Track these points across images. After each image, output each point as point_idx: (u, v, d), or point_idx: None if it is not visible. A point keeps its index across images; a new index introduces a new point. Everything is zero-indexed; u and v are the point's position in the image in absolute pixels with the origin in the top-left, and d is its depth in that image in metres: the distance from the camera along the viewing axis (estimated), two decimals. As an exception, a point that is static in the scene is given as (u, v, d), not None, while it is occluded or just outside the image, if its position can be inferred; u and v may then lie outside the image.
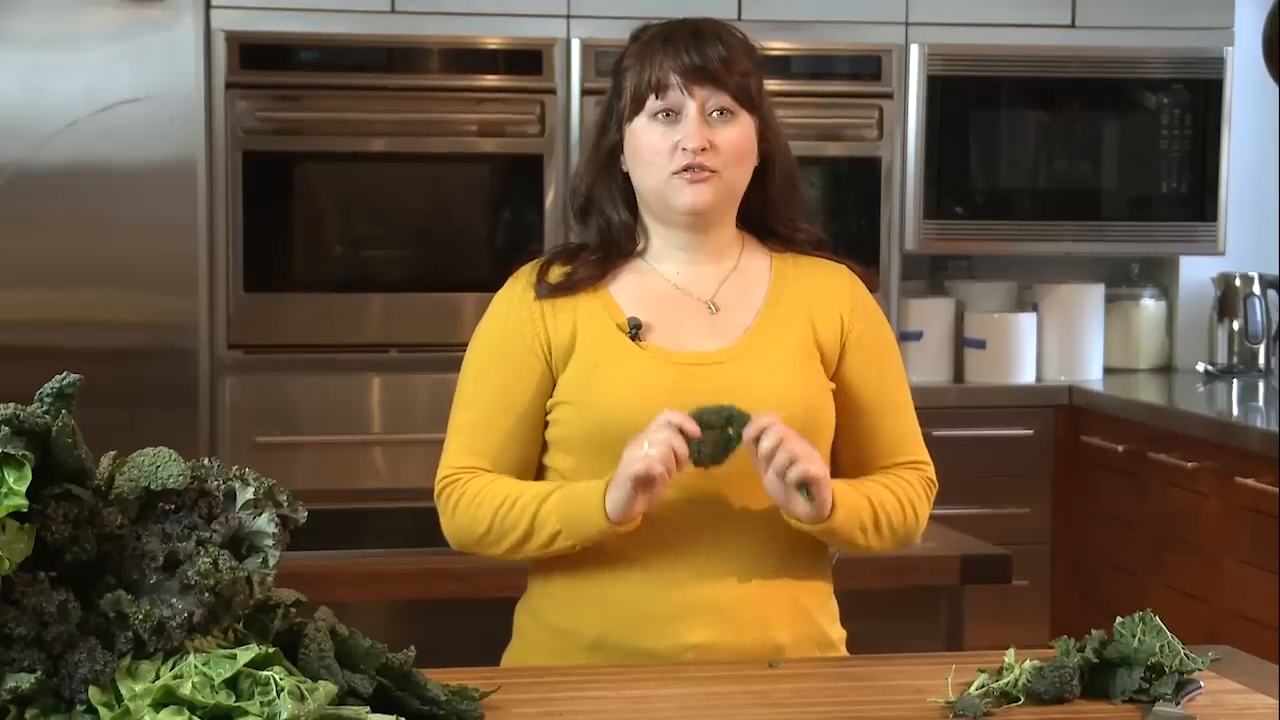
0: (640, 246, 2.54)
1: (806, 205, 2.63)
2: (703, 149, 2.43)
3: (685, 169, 2.44)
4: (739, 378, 2.45)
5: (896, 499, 2.50)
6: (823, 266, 2.58)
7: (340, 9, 4.96)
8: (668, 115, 2.45)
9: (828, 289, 2.55)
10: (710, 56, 2.44)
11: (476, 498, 2.46)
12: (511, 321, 2.52)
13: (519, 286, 2.55)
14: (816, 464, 2.36)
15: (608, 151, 2.52)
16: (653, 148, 2.46)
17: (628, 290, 2.52)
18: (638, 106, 2.46)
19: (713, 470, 2.37)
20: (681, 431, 2.32)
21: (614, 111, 2.51)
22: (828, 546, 2.56)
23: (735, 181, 2.50)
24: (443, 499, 2.50)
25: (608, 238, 2.53)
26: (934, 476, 2.56)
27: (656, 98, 2.45)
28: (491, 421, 2.50)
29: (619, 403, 2.42)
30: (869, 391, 2.54)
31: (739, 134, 2.47)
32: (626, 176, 2.52)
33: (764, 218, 2.57)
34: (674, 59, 2.44)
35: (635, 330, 2.48)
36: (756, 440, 2.33)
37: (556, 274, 2.52)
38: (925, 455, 2.57)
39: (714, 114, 2.45)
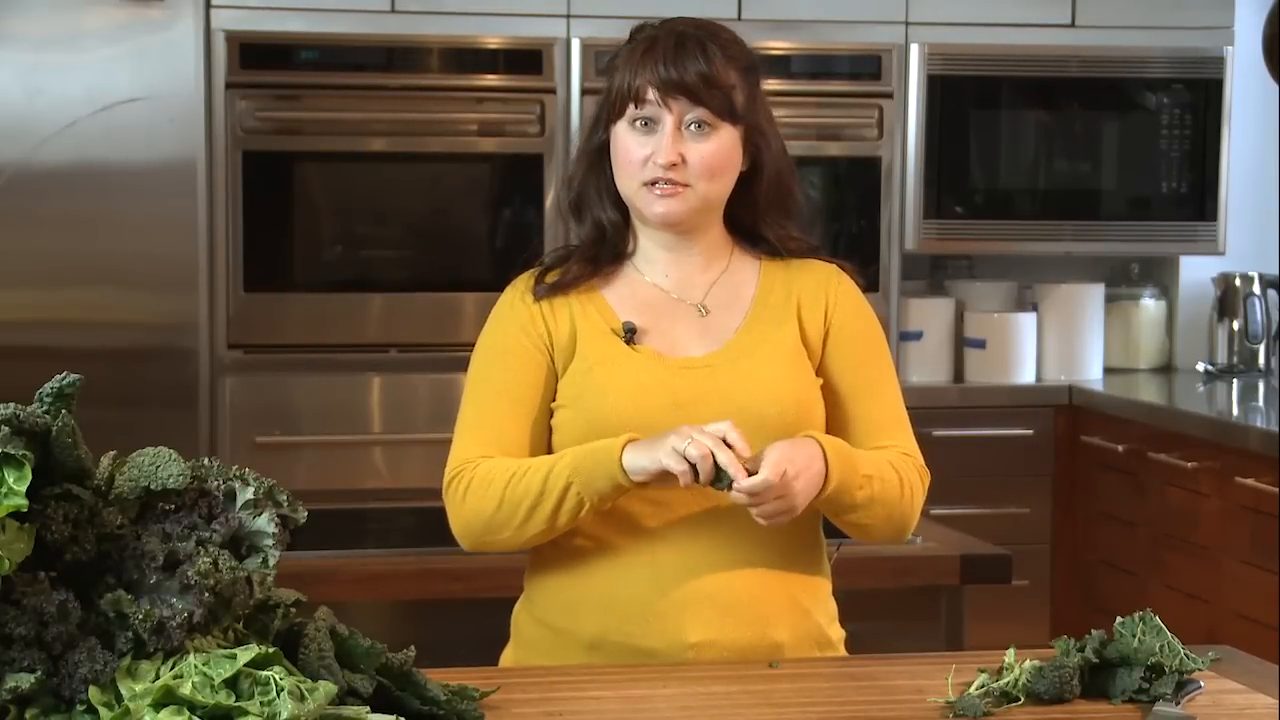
0: (631, 247, 2.56)
1: (800, 211, 2.62)
2: (673, 164, 2.45)
3: (654, 182, 2.46)
4: (730, 380, 2.47)
5: (897, 474, 2.48)
6: (811, 265, 2.59)
7: (340, 9, 4.96)
8: (646, 124, 2.46)
9: (814, 285, 2.56)
10: (689, 70, 2.44)
11: (488, 476, 2.45)
12: (514, 321, 2.53)
13: (518, 291, 2.56)
14: (791, 509, 2.35)
15: (596, 150, 2.54)
16: (628, 155, 2.48)
17: (620, 295, 2.54)
18: (619, 112, 2.48)
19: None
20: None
21: (603, 111, 2.53)
22: (824, 546, 2.57)
23: (709, 193, 2.50)
24: (452, 490, 2.48)
25: (601, 236, 2.55)
26: (924, 466, 2.55)
27: (636, 107, 2.46)
28: (500, 412, 2.50)
29: (613, 406, 2.43)
30: (849, 376, 2.54)
31: (714, 148, 2.47)
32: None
33: (753, 224, 2.57)
34: (652, 71, 2.45)
35: (630, 334, 2.49)
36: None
37: (554, 276, 2.55)
38: (912, 445, 2.55)
39: (691, 126, 2.46)
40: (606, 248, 2.55)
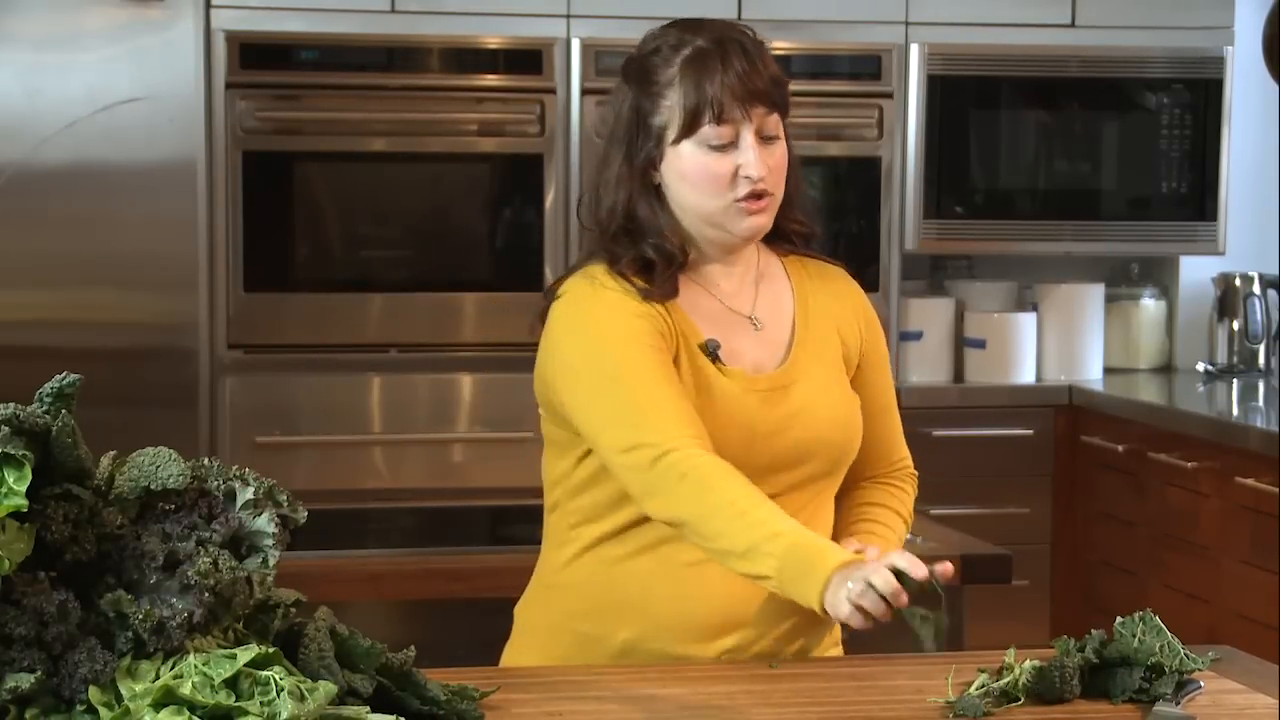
0: (692, 258, 2.48)
1: (806, 197, 2.62)
2: (763, 175, 2.41)
3: (748, 196, 2.41)
4: (802, 399, 2.45)
5: (905, 523, 2.58)
6: (830, 273, 2.58)
7: (340, 9, 4.96)
8: (723, 144, 2.40)
9: (843, 299, 2.57)
10: (765, 79, 2.40)
11: (708, 482, 2.29)
12: (633, 312, 2.41)
13: (611, 290, 2.43)
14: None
15: (643, 167, 2.44)
16: (711, 174, 2.40)
17: (690, 306, 2.46)
18: (690, 129, 2.40)
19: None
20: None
21: (650, 128, 2.42)
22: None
23: (781, 198, 2.48)
24: (663, 465, 2.29)
25: (665, 253, 2.44)
26: (914, 470, 2.63)
27: (719, 124, 2.38)
28: (675, 398, 2.36)
29: (709, 427, 2.36)
30: (876, 395, 2.57)
31: (783, 152, 2.45)
32: (658, 189, 2.45)
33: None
34: (734, 83, 2.38)
35: (715, 352, 2.44)
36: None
37: (641, 284, 2.44)
38: (906, 450, 2.63)
39: (765, 136, 2.42)
40: (676, 263, 2.45)
